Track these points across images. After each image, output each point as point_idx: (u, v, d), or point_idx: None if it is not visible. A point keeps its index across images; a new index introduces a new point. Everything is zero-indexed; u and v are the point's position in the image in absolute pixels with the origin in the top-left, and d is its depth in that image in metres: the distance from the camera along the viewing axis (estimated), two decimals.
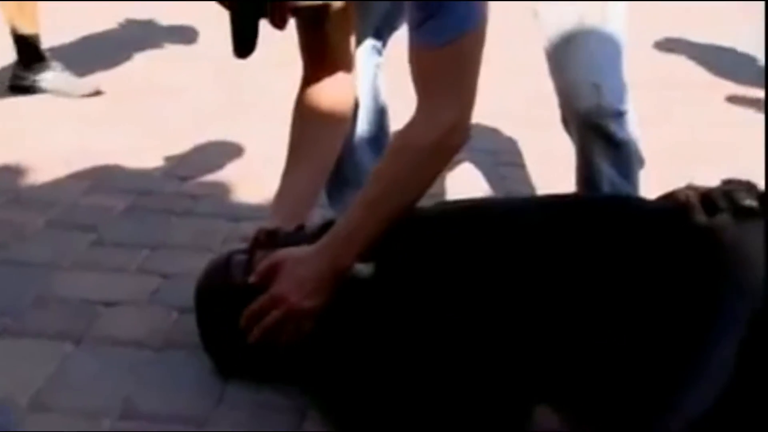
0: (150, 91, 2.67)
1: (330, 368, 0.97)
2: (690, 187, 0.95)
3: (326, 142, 1.21)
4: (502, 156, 2.27)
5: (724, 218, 0.90)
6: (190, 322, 1.10)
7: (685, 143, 2.29)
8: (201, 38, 3.60)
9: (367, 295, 0.96)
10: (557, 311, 0.87)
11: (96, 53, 2.99)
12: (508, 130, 2.53)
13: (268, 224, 1.13)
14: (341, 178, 1.37)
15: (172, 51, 3.32)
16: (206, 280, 1.07)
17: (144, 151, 1.96)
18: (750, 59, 3.72)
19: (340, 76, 1.19)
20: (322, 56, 1.19)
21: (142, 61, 3.09)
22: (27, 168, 1.79)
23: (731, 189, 0.91)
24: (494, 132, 2.55)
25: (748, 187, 0.93)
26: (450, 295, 0.92)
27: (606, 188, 1.29)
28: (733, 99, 3.04)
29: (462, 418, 0.84)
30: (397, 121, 1.22)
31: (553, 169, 1.67)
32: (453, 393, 0.86)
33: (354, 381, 0.93)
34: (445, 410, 0.85)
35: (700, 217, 0.89)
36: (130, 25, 3.57)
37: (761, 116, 2.71)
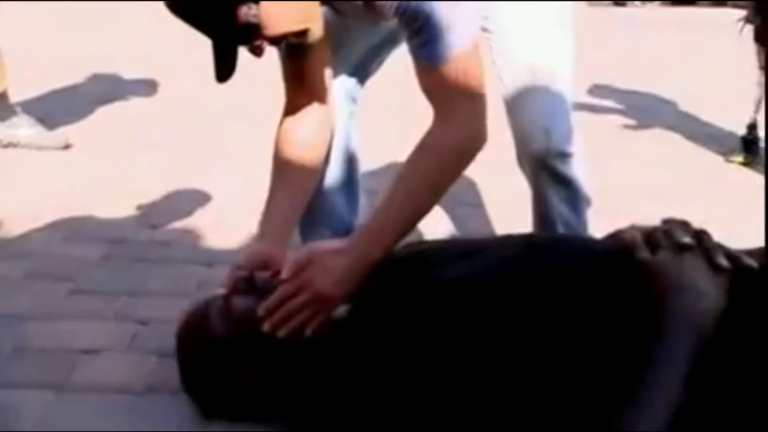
0: (117, 142, 2.72)
1: (310, 410, 0.99)
2: (634, 227, 1.03)
3: (306, 167, 1.26)
4: (462, 197, 2.38)
5: (665, 255, 0.98)
6: (170, 366, 1.12)
7: (626, 182, 2.45)
8: (162, 89, 3.71)
9: (344, 336, 1.01)
10: (517, 346, 0.92)
11: (64, 107, 3.04)
12: (468, 172, 2.66)
13: (257, 247, 1.19)
14: (314, 219, 1.43)
15: (136, 103, 3.40)
16: (186, 331, 1.08)
17: (116, 200, 2.00)
18: (671, 103, 4.06)
19: (317, 105, 1.25)
20: (303, 85, 1.25)
21: (108, 113, 3.16)
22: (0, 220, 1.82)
23: (670, 227, 0.99)
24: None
25: (684, 225, 1.01)
26: (417, 336, 0.96)
27: (560, 226, 1.38)
28: (660, 138, 3.29)
29: None
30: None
31: (511, 209, 1.76)
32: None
33: (335, 420, 0.96)
34: None
35: (645, 254, 0.97)
36: (96, 79, 3.64)
37: (689, 155, 2.96)
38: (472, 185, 2.47)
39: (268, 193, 1.22)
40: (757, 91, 2.78)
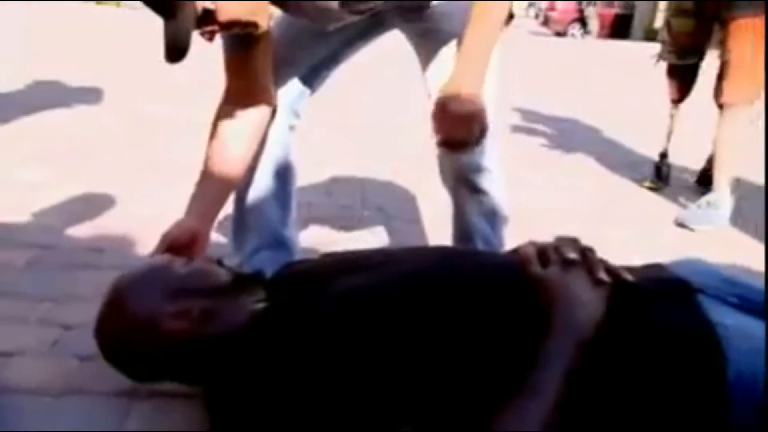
0: (54, 150, 2.71)
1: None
2: (531, 243, 1.13)
3: (236, 156, 1.34)
4: (397, 212, 2.46)
5: (554, 269, 1.07)
6: (92, 368, 1.14)
7: (544, 203, 2.62)
8: (107, 97, 3.69)
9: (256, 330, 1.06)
10: (419, 348, 0.99)
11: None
12: (402, 188, 2.77)
13: (185, 220, 1.25)
14: (245, 225, 1.50)
15: (79, 110, 3.38)
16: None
17: (47, 206, 1.99)
18: (595, 130, 4.34)
19: (255, 102, 1.34)
20: (243, 77, 1.33)
21: (47, 119, 3.13)
22: None
23: (560, 245, 1.09)
24: (388, 188, 2.79)
25: (573, 242, 1.11)
26: (323, 338, 1.02)
27: (478, 239, 1.49)
28: (581, 162, 3.52)
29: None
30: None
31: (444, 223, 1.85)
32: (340, 413, 0.96)
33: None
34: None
35: (536, 268, 1.06)
36: (38, 86, 3.60)
37: (606, 179, 3.19)
38: (407, 200, 2.59)
39: (200, 175, 1.30)
40: (668, 123, 3.02)
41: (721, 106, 2.58)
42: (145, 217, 2.01)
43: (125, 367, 1.10)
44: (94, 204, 2.06)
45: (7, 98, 3.30)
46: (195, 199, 1.30)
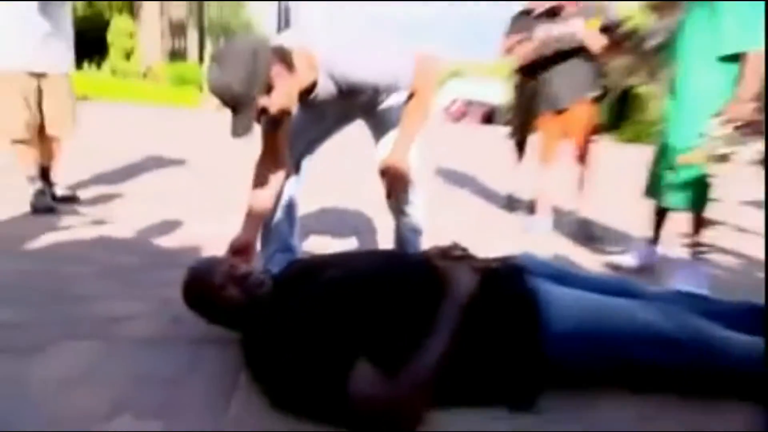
0: None
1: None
2: (435, 247, 1.53)
3: (268, 197, 1.78)
4: (363, 228, 3.13)
5: (447, 262, 1.39)
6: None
7: (444, 224, 3.35)
8: None
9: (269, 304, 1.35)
10: (368, 306, 1.25)
11: None
12: (367, 215, 3.45)
13: (242, 235, 1.66)
14: (268, 239, 2.05)
15: None
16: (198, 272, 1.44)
17: None
18: (472, 178, 5.65)
19: (279, 164, 1.76)
20: (273, 147, 1.74)
21: None
22: None
23: (451, 248, 1.48)
24: (358, 215, 3.50)
25: (458, 247, 1.49)
26: (308, 307, 1.26)
27: (407, 245, 2.01)
28: (469, 199, 4.60)
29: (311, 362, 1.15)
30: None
31: (391, 236, 2.25)
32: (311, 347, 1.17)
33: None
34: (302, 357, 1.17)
35: (439, 261, 1.40)
36: None
37: (483, 208, 4.17)
38: (369, 222, 3.30)
39: (247, 208, 1.74)
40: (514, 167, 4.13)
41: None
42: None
43: (201, 312, 1.45)
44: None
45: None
46: (246, 223, 1.74)
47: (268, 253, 2.08)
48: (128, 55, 21.52)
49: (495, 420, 1.25)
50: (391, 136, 1.85)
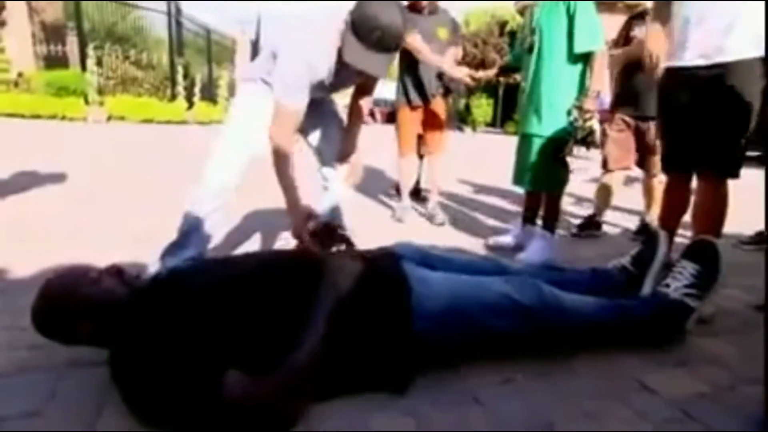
0: None
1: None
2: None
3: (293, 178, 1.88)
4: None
5: (327, 252, 1.53)
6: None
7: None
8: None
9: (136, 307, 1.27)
10: (233, 307, 1.24)
11: None
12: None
13: (302, 208, 1.77)
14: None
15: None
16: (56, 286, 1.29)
17: None
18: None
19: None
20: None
21: None
22: None
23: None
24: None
25: (344, 239, 1.63)
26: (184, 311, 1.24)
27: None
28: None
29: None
30: None
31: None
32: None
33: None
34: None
35: (316, 250, 1.53)
36: None
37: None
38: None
39: (286, 187, 1.83)
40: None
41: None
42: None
43: (61, 328, 1.30)
44: None
45: None
46: (293, 199, 1.82)
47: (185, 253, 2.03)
48: None
49: (371, 409, 1.28)
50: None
